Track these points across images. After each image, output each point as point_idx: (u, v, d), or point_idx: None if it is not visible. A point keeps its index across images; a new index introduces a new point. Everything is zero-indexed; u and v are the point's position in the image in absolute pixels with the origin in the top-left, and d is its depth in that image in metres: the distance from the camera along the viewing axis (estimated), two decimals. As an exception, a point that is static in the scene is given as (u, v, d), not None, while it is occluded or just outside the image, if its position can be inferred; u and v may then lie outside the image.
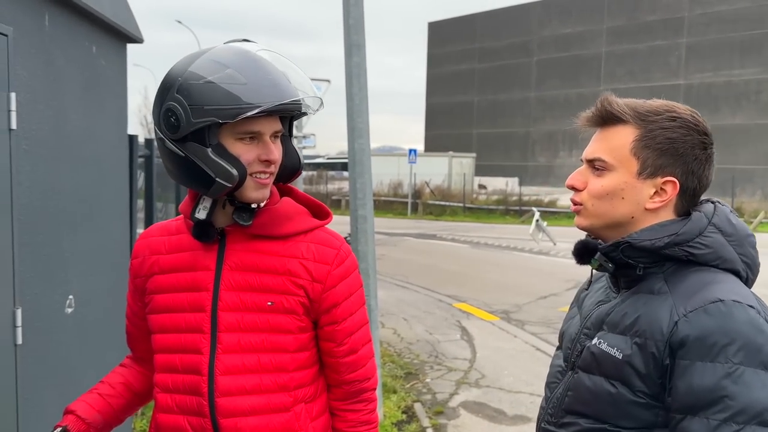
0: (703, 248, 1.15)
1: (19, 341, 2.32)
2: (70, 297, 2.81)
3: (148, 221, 4.38)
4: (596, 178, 1.21)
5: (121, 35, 3.37)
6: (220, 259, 1.36)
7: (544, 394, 1.37)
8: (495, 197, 25.43)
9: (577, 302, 1.40)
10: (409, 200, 24.38)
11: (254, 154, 1.29)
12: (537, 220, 15.18)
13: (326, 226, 1.47)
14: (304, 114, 1.39)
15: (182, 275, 1.38)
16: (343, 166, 28.17)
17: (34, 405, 2.44)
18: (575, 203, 1.25)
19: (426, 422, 4.63)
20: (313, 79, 5.44)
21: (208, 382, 1.33)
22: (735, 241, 1.17)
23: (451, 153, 29.57)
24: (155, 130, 1.33)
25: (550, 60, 39.99)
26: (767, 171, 30.95)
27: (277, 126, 1.31)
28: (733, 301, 1.08)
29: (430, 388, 5.42)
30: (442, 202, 24.50)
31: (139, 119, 39.51)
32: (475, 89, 43.84)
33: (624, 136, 1.18)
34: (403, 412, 4.81)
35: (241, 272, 1.35)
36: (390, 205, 25.45)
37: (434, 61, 46.37)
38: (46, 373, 2.54)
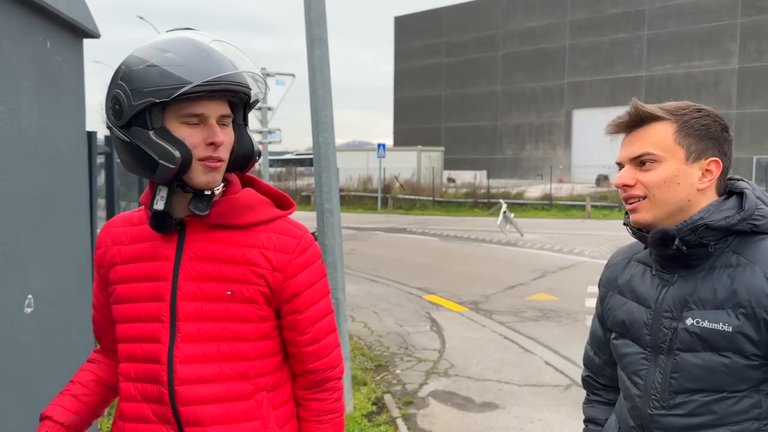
0: (762, 219, 1.31)
1: (-25, 342, 2.27)
2: (29, 297, 2.76)
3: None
4: (647, 171, 1.33)
5: (76, 30, 3.31)
6: (180, 249, 1.37)
7: (630, 385, 1.43)
8: (464, 190, 25.62)
9: (618, 290, 1.49)
10: (379, 195, 24.42)
11: (199, 137, 1.29)
12: (504, 212, 15.36)
13: (290, 216, 1.47)
14: (256, 101, 1.39)
15: (142, 265, 1.39)
16: (312, 162, 28.08)
17: (-6, 406, 2.40)
18: (634, 198, 1.35)
19: (396, 412, 4.68)
20: (277, 74, 5.42)
21: (167, 370, 1.34)
22: None
23: (419, 147, 29.69)
24: (106, 121, 1.34)
25: (515, 53, 40.38)
26: (727, 160, 31.77)
27: (223, 110, 1.31)
28: None
29: (400, 379, 5.47)
30: (412, 196, 24.60)
31: (101, 116, 38.80)
32: (442, 83, 44.04)
33: (664, 130, 1.32)
34: (373, 404, 4.84)
35: (200, 262, 1.36)
36: (360, 200, 25.45)
37: (401, 55, 46.42)
38: (4, 375, 2.49)
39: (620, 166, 1.39)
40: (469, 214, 21.78)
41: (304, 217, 4.64)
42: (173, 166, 1.27)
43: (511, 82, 40.65)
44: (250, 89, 1.34)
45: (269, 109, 6.65)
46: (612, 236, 14.21)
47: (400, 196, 24.76)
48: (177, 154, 1.27)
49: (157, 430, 1.36)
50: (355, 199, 25.51)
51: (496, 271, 10.49)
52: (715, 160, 1.33)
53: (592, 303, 8.34)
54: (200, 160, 1.30)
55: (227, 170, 1.38)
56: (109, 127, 1.34)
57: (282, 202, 1.48)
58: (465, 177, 30.11)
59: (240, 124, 1.39)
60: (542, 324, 7.14)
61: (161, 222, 1.36)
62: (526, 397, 4.99)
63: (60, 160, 3.14)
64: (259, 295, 1.36)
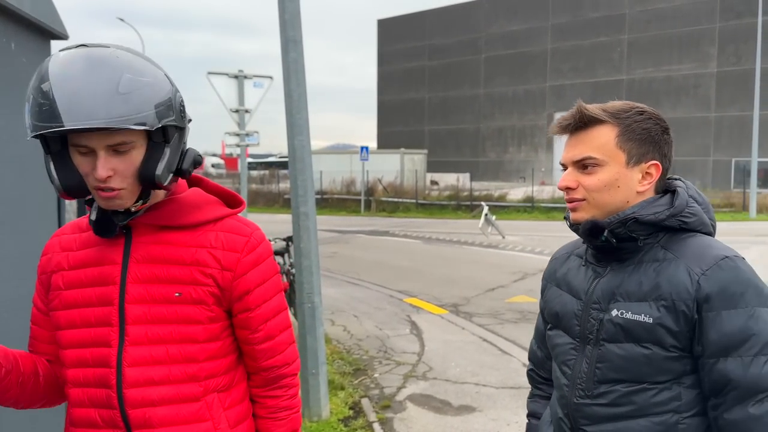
0: (691, 217, 1.36)
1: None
2: (-8, 303, 2.70)
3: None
4: (589, 175, 1.36)
5: (43, 31, 3.25)
6: (127, 252, 1.36)
7: (559, 374, 1.47)
8: (447, 193, 25.68)
9: (556, 282, 1.54)
10: (362, 197, 24.39)
11: (89, 167, 1.26)
12: (486, 215, 15.41)
13: (240, 215, 1.46)
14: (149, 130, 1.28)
15: (89, 270, 1.38)
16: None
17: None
18: (574, 200, 1.39)
19: (372, 417, 4.65)
20: (255, 76, 5.37)
21: (116, 374, 1.33)
22: (705, 208, 1.40)
23: (402, 150, 29.72)
24: None
25: (497, 57, 40.59)
26: (706, 162, 32.23)
27: (111, 140, 1.23)
28: (734, 256, 1.31)
29: (378, 383, 5.44)
30: (395, 199, 24.60)
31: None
32: (426, 86, 44.14)
33: (606, 134, 1.35)
34: (350, 408, 4.81)
35: (147, 264, 1.35)
36: (343, 202, 25.40)
37: (385, 58, 46.48)
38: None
39: (564, 166, 1.41)
40: (452, 217, 21.83)
41: (282, 220, 4.62)
42: (59, 194, 1.29)
43: (494, 85, 40.85)
44: (130, 126, 1.21)
45: (247, 111, 6.60)
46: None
47: (384, 198, 24.75)
48: (57, 182, 1.28)
49: None
50: (339, 202, 25.46)
51: (477, 274, 10.51)
52: (655, 164, 1.37)
53: (571, 305, 8.38)
54: (93, 187, 1.28)
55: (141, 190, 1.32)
56: None
57: (231, 200, 1.48)
58: (448, 179, 30.17)
59: (158, 143, 1.30)
60: (521, 326, 7.15)
61: (104, 227, 1.35)
62: (503, 399, 4.99)
63: (25, 163, 3.08)
64: (209, 295, 1.36)
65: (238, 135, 6.56)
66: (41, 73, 1.23)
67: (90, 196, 1.36)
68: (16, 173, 2.96)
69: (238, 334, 1.43)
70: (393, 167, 27.28)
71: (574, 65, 36.96)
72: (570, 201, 1.40)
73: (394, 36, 45.36)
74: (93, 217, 1.35)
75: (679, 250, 1.34)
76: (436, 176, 31.65)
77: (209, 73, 6.70)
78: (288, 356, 1.48)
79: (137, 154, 1.28)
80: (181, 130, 1.35)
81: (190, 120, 1.41)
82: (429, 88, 44.02)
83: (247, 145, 6.56)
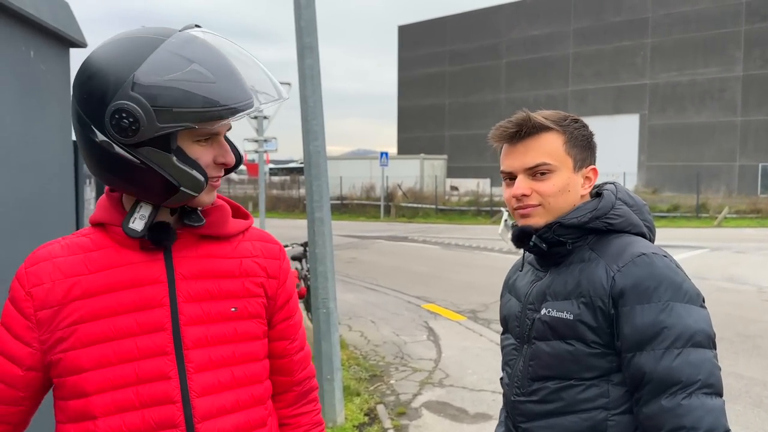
0: (617, 218, 1.40)
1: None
2: (10, 307, 2.74)
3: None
4: (542, 181, 1.39)
5: (62, 40, 3.30)
6: (170, 269, 1.20)
7: (504, 374, 1.53)
8: (467, 198, 25.59)
9: (508, 289, 1.61)
10: (382, 203, 24.40)
11: (210, 156, 1.17)
12: (505, 220, 15.28)
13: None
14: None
15: (122, 294, 1.17)
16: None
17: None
18: (528, 206, 1.40)
19: (388, 423, 4.63)
20: (273, 83, 5.33)
21: (183, 409, 1.16)
22: (636, 209, 1.44)
23: (422, 155, 29.69)
24: (89, 131, 1.13)
25: (519, 62, 40.39)
26: (731, 168, 31.66)
27: (230, 124, 1.20)
28: (652, 252, 1.33)
29: (394, 389, 5.42)
30: (415, 204, 24.57)
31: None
32: (446, 92, 44.07)
33: (554, 141, 1.39)
34: (365, 415, 4.80)
35: (197, 280, 1.21)
36: (362, 208, 25.43)
37: (405, 64, 46.52)
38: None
39: (509, 175, 1.42)
40: (471, 222, 21.72)
41: (306, 225, 4.68)
42: (196, 194, 1.16)
43: (515, 90, 40.65)
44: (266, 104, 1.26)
45: (265, 117, 6.64)
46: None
47: (403, 204, 24.73)
48: (202, 179, 1.15)
49: None
50: (358, 208, 25.50)
51: (496, 280, 10.40)
52: (593, 168, 1.45)
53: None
54: (210, 178, 1.19)
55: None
56: (103, 142, 1.13)
57: (237, 211, 1.39)
58: (468, 185, 30.06)
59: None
60: (540, 333, 7.07)
61: (164, 234, 1.18)
62: (520, 407, 4.92)
63: (43, 169, 3.13)
64: (261, 307, 1.27)
65: (256, 141, 6.60)
66: (194, 45, 1.14)
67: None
68: (34, 179, 3.01)
69: (276, 347, 1.32)
70: (413, 173, 27.26)
71: (596, 70, 36.62)
72: (522, 208, 1.41)
73: (415, 42, 45.39)
74: (139, 227, 1.16)
75: (602, 249, 1.38)
76: (456, 182, 31.55)
77: (228, 79, 6.77)
78: (312, 366, 1.42)
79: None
80: None
81: None
82: (449, 93, 43.93)
83: (265, 151, 6.60)
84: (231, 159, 1.20)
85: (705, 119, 31.79)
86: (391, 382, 5.61)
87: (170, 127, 1.09)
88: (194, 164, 1.14)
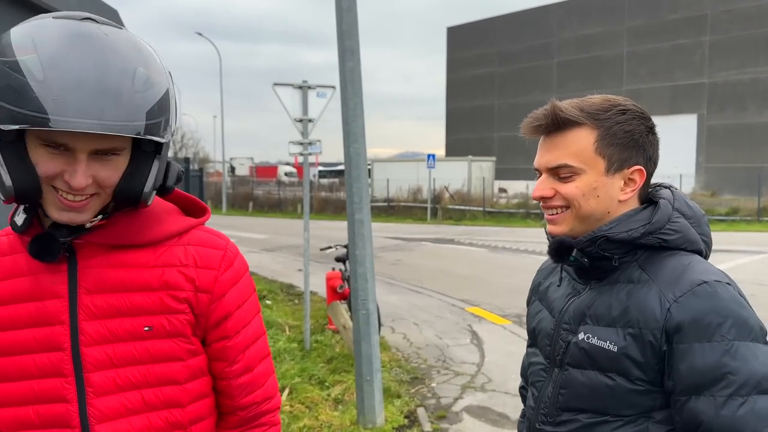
0: (673, 234, 1.20)
1: None
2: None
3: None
4: (566, 183, 1.22)
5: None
6: (73, 282, 1.08)
7: (529, 394, 1.39)
8: (516, 201, 25.26)
9: (538, 296, 1.43)
10: (429, 205, 24.33)
11: (58, 168, 0.99)
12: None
13: (205, 224, 1.22)
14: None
15: (23, 307, 1.08)
16: (367, 173, 28.22)
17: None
18: (554, 208, 1.25)
19: (427, 427, 4.61)
20: (318, 86, 5.44)
21: None
22: (695, 222, 1.24)
23: (470, 157, 29.46)
24: None
25: (570, 62, 39.66)
26: (797, 169, 30.24)
27: (100, 144, 0.99)
28: (716, 281, 1.14)
29: (435, 392, 5.39)
30: (462, 207, 24.40)
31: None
32: (495, 93, 43.67)
33: (584, 138, 1.19)
34: (405, 417, 4.79)
35: (102, 295, 1.08)
36: (409, 210, 25.43)
37: (454, 65, 46.34)
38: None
39: (537, 171, 1.28)
40: (520, 225, 21.42)
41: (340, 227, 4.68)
42: (4, 200, 1.01)
43: (566, 90, 39.91)
44: (140, 134, 0.98)
45: (310, 120, 6.72)
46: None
47: (450, 206, 24.60)
48: (9, 183, 0.98)
49: None
50: (405, 210, 25.50)
51: (543, 284, 10.24)
52: (639, 169, 1.23)
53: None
54: (56, 189, 1.01)
55: (112, 205, 1.08)
56: None
57: (192, 207, 1.23)
58: (517, 187, 29.66)
59: (147, 152, 1.06)
60: (587, 339, 6.91)
61: (45, 247, 1.05)
62: (564, 414, 4.82)
63: None
64: (186, 325, 1.12)
65: (301, 144, 6.68)
66: (16, 40, 0.96)
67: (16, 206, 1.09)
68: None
69: (213, 367, 1.19)
70: (460, 175, 27.09)
71: (651, 69, 35.61)
72: (549, 211, 1.26)
73: (464, 43, 45.17)
74: (19, 220, 1.07)
75: (655, 271, 1.19)
76: (505, 184, 31.19)
77: (275, 84, 6.87)
78: (269, 389, 1.25)
79: (121, 163, 1.04)
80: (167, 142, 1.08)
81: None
82: (498, 94, 43.52)
83: (310, 154, 6.67)
84: (75, 183, 0.98)
85: (767, 119, 30.45)
86: (433, 385, 5.58)
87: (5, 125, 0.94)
88: (20, 166, 0.98)
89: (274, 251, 14.77)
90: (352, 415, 4.68)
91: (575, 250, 1.22)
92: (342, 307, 6.45)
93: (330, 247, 7.29)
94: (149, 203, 1.09)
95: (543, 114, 1.22)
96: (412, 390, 5.41)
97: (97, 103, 0.94)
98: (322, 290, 8.61)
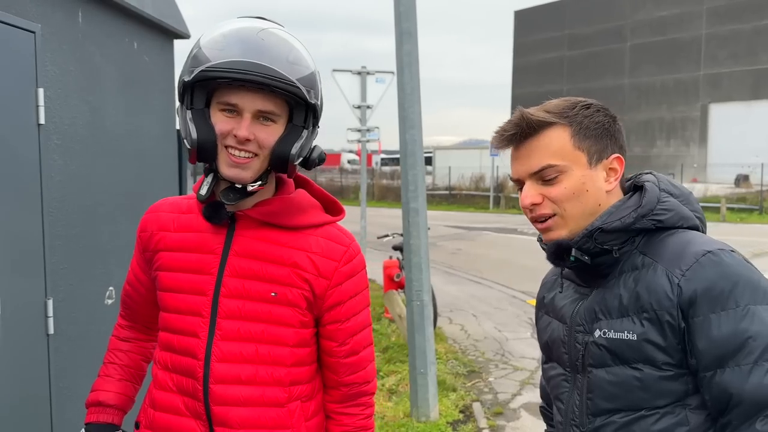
0: (666, 213, 1.19)
1: (51, 331, 2.38)
2: (111, 288, 2.88)
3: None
4: (553, 185, 1.20)
5: (165, 31, 3.42)
6: (228, 244, 1.33)
7: (555, 411, 1.33)
8: (583, 190, 24.47)
9: (545, 310, 1.39)
10: (491, 194, 23.89)
11: (229, 127, 1.24)
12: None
13: (338, 223, 1.44)
14: (306, 101, 1.28)
15: (187, 255, 1.36)
16: (428, 161, 28.03)
17: (69, 394, 2.51)
18: (545, 217, 1.22)
19: (483, 423, 4.46)
20: (377, 72, 5.32)
21: (204, 367, 1.31)
22: (684, 200, 1.23)
23: (536, 145, 28.72)
24: None
25: (645, 45, 37.98)
26: None
27: (263, 105, 1.25)
28: (718, 249, 1.13)
29: (492, 387, 5.22)
30: (527, 196, 23.83)
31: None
32: (564, 78, 42.39)
33: (559, 137, 1.20)
34: (460, 411, 4.65)
35: (247, 259, 1.32)
36: (471, 198, 25.06)
37: (521, 50, 45.25)
38: (82, 363, 2.60)
39: (518, 182, 1.25)
40: (587, 215, 20.75)
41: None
42: (189, 147, 1.27)
43: (640, 74, 38.25)
44: (293, 86, 1.24)
45: (368, 107, 6.63)
46: (748, 242, 12.88)
47: (513, 195, 24.06)
48: (194, 135, 1.25)
49: (187, 424, 1.34)
50: (467, 198, 25.15)
51: (610, 277, 9.84)
52: (617, 157, 1.23)
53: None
54: (226, 147, 1.26)
55: (269, 169, 1.32)
56: None
57: (332, 207, 1.46)
58: (585, 176, 28.70)
59: (297, 126, 1.30)
60: (656, 336, 6.56)
61: (215, 212, 1.32)
62: (628, 416, 4.57)
63: (146, 158, 3.26)
64: (302, 299, 1.32)
65: (359, 131, 6.61)
66: (214, 29, 1.28)
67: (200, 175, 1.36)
68: (135, 167, 3.14)
69: (323, 344, 1.40)
70: (526, 163, 26.45)
71: (732, 51, 33.60)
72: (538, 220, 1.23)
73: (532, 27, 44.00)
74: (204, 191, 1.31)
75: (657, 252, 1.17)
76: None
77: (334, 70, 6.83)
78: (369, 373, 1.44)
79: (277, 129, 1.28)
80: (316, 121, 1.34)
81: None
82: (567, 79, 42.21)
83: (368, 141, 6.59)
84: (241, 133, 1.23)
85: None
86: (490, 379, 5.42)
87: (180, 83, 1.26)
88: (203, 125, 1.25)
89: (335, 238, 14.83)
90: (406, 407, 4.59)
91: (573, 249, 1.20)
92: (398, 296, 6.36)
93: (387, 236, 7.20)
94: (295, 163, 1.30)
95: (514, 123, 1.21)
96: (469, 384, 5.27)
97: (256, 56, 1.21)
98: (380, 278, 8.55)
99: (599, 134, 1.21)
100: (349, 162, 45.95)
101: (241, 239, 1.33)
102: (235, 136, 1.24)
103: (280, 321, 1.32)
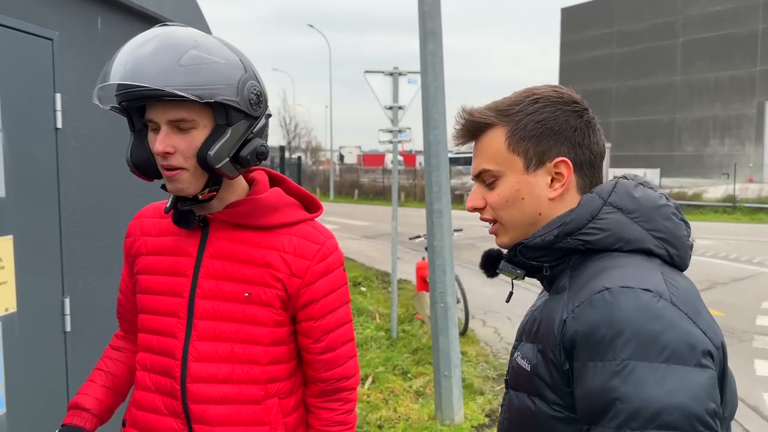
0: (598, 233, 1.02)
1: (68, 329, 2.46)
2: (131, 287, 2.95)
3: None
4: (491, 190, 1.11)
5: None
6: (202, 246, 1.36)
7: None
8: (631, 190, 23.83)
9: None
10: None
11: (153, 142, 1.25)
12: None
13: (316, 220, 1.43)
14: (227, 104, 1.24)
15: (165, 259, 1.39)
16: (467, 161, 27.78)
17: (85, 389, 2.58)
18: (489, 221, 1.14)
19: (508, 428, 4.38)
20: (409, 72, 5.28)
21: (181, 366, 1.34)
22: (640, 217, 1.03)
23: (583, 144, 28.13)
24: None
25: (697, 40, 36.75)
26: None
27: (172, 114, 1.22)
28: (622, 287, 0.93)
29: (522, 391, 5.13)
30: (572, 196, 23.39)
31: (278, 121, 41.83)
32: (613, 75, 41.42)
33: (496, 139, 1.09)
34: (486, 416, 4.59)
35: (220, 260, 1.35)
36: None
37: (568, 47, 44.42)
38: (98, 360, 2.67)
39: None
40: (634, 216, 20.19)
41: (456, 216, 4.53)
42: (131, 170, 1.32)
43: (693, 71, 37.02)
44: (176, 91, 1.17)
45: (400, 108, 6.61)
46: (804, 245, 12.30)
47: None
48: (128, 157, 1.31)
49: (166, 423, 1.37)
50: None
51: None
52: (563, 160, 1.06)
53: (764, 321, 7.26)
54: (160, 167, 1.28)
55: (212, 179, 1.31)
56: None
57: (310, 204, 1.46)
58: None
59: (221, 125, 1.25)
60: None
61: (183, 218, 1.35)
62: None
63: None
64: (276, 299, 1.34)
65: (390, 131, 6.60)
66: (130, 40, 1.26)
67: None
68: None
69: (300, 341, 1.42)
70: (571, 162, 25.93)
71: (792, 45, 32.16)
72: (485, 222, 1.15)
73: (579, 24, 43.14)
74: (169, 203, 1.35)
75: (575, 278, 1.02)
76: (622, 172, 29.45)
77: (366, 72, 6.83)
78: (347, 369, 1.45)
79: (199, 135, 1.24)
80: (251, 119, 1.29)
81: (269, 115, 1.36)
82: (616, 77, 41.23)
83: (399, 141, 6.57)
84: (156, 148, 1.23)
85: None
86: (520, 383, 5.32)
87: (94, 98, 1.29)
88: (137, 147, 1.30)
89: (374, 238, 14.86)
90: (431, 409, 4.56)
91: (502, 260, 1.13)
92: (428, 297, 6.32)
93: (419, 236, 7.16)
94: (218, 166, 1.25)
95: (460, 122, 1.13)
96: (497, 387, 5.19)
97: (130, 72, 1.18)
98: (414, 279, 8.52)
99: (539, 135, 1.06)
100: (392, 163, 46.02)
101: (215, 241, 1.35)
102: (154, 151, 1.24)
103: (255, 320, 1.33)
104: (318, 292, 1.37)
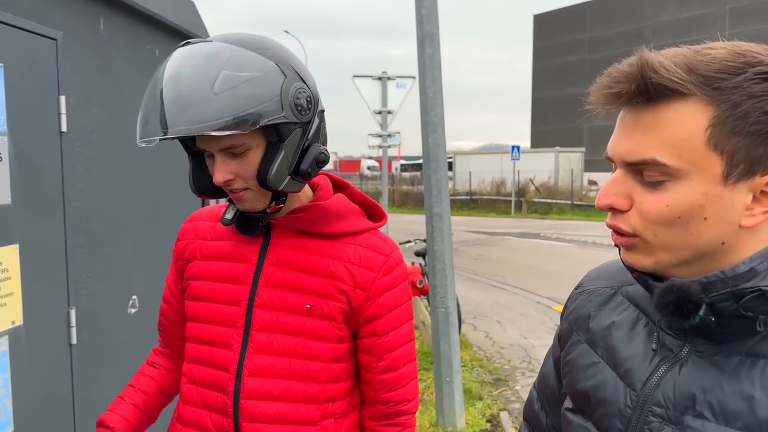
0: None
1: (74, 341, 2.35)
2: (134, 297, 2.85)
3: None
4: (652, 192, 0.75)
5: (187, 38, 3.39)
6: (263, 253, 1.29)
7: None
8: (606, 194, 24.14)
9: (588, 336, 0.93)
10: (513, 198, 23.70)
11: (212, 170, 1.21)
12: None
13: (380, 229, 1.37)
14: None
15: (222, 264, 1.31)
16: (449, 166, 27.92)
17: (91, 405, 2.47)
18: (622, 234, 0.78)
19: (511, 432, 4.36)
20: (398, 77, 5.26)
21: (235, 381, 1.26)
22: None
23: (557, 148, 28.46)
24: None
25: (666, 46, 37.31)
26: None
27: (221, 143, 1.15)
28: None
29: (520, 395, 5.11)
30: (548, 200, 23.60)
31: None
32: (585, 80, 41.72)
33: (690, 119, 0.72)
34: (487, 421, 4.56)
35: (282, 269, 1.27)
36: (493, 203, 24.88)
37: (540, 53, 45.00)
38: (105, 373, 2.57)
39: (613, 162, 0.81)
40: (610, 219, 20.45)
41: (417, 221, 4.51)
42: (197, 195, 1.29)
43: (662, 77, 37.85)
44: (216, 129, 1.10)
45: (389, 112, 6.58)
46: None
47: (536, 199, 23.85)
48: (191, 184, 1.28)
49: None
50: (488, 203, 24.97)
51: (636, 282, 9.64)
52: None
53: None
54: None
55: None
56: None
57: (373, 212, 1.39)
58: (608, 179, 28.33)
59: (273, 142, 1.17)
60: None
61: (247, 224, 1.28)
62: (661, 426, 4.43)
63: (169, 165, 3.23)
64: (339, 312, 1.26)
65: (380, 136, 6.56)
66: (157, 76, 1.17)
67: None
68: (158, 175, 3.11)
69: (360, 358, 1.33)
70: (547, 167, 26.20)
71: (758, 51, 33.06)
72: (615, 231, 0.80)
73: (551, 30, 43.76)
74: (229, 215, 1.27)
75: None
76: (595, 176, 29.88)
77: (354, 76, 6.78)
78: (409, 392, 1.36)
79: (255, 156, 1.17)
80: (303, 125, 1.19)
81: (323, 111, 1.28)
82: (589, 82, 41.39)
83: (389, 146, 6.53)
84: (216, 178, 1.18)
85: None
86: (517, 387, 5.31)
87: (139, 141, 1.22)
88: (198, 175, 1.26)
89: (356, 244, 14.78)
90: (432, 416, 4.51)
91: (704, 305, 0.74)
92: (421, 302, 6.28)
93: (409, 241, 7.12)
94: (281, 187, 1.19)
95: (627, 72, 0.77)
96: (495, 392, 5.17)
97: (177, 113, 1.09)
98: (402, 285, 8.47)
99: (763, 133, 0.70)
100: (368, 168, 45.98)
101: (277, 248, 1.28)
102: (214, 181, 1.20)
103: (315, 334, 1.25)
104: (383, 307, 1.28)
